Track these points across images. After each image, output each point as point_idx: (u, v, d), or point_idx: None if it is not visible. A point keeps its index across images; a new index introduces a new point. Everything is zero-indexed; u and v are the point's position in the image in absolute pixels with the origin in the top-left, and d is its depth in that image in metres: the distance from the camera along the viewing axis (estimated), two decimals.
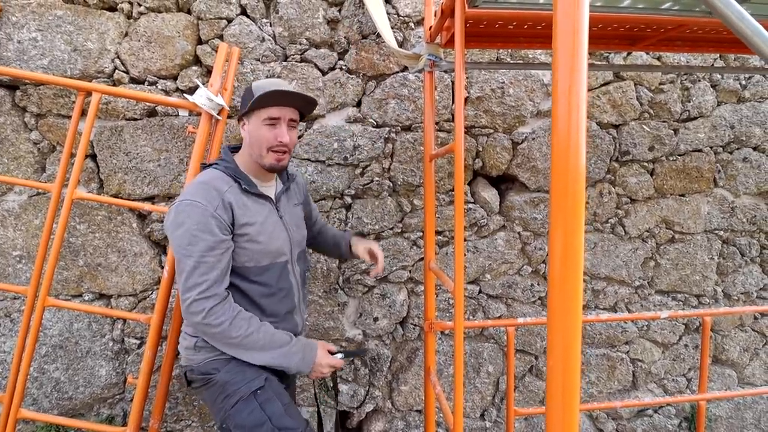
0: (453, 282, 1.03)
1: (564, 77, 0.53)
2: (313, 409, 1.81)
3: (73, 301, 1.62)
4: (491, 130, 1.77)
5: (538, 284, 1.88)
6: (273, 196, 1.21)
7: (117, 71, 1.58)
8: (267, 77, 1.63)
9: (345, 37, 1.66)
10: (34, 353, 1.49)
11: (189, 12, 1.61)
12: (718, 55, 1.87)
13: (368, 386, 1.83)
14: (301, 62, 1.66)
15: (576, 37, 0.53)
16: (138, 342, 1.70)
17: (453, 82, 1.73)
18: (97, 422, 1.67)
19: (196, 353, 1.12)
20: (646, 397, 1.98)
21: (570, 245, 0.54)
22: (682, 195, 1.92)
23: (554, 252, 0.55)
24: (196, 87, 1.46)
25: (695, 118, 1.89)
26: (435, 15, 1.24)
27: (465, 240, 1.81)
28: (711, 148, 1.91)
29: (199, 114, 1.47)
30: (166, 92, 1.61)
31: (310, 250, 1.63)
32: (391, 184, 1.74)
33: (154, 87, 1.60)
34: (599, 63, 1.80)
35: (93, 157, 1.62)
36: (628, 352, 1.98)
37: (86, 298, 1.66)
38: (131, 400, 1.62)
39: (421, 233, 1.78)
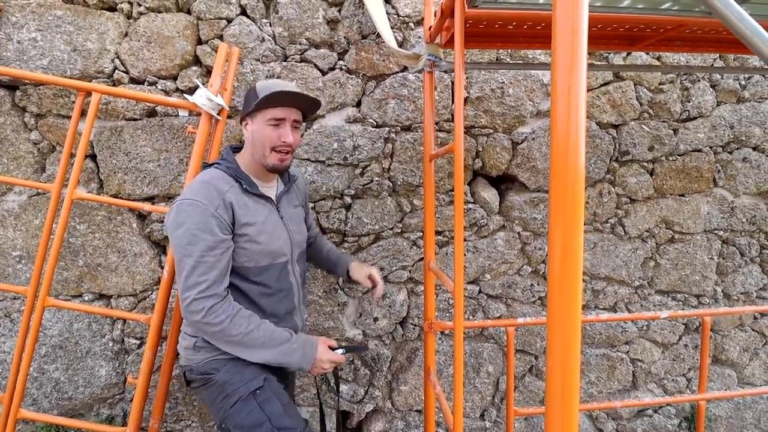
0: (453, 282, 1.03)
1: (563, 77, 0.53)
2: (313, 408, 1.81)
3: (73, 302, 1.62)
4: (491, 130, 1.77)
5: (538, 284, 1.89)
6: (274, 197, 1.21)
7: (117, 71, 1.58)
8: (267, 77, 1.63)
9: (345, 37, 1.66)
10: (34, 353, 1.49)
11: (189, 12, 1.61)
12: (718, 55, 1.87)
13: (368, 386, 1.83)
14: (300, 62, 1.66)
15: (575, 37, 0.53)
16: (138, 342, 1.70)
17: (453, 82, 1.73)
18: (97, 422, 1.67)
19: (196, 353, 1.12)
20: (646, 397, 1.98)
21: (569, 245, 0.54)
22: (682, 195, 1.92)
23: (554, 252, 0.55)
24: (196, 87, 1.46)
25: (695, 118, 1.89)
26: (435, 15, 1.24)
27: (465, 240, 1.81)
28: (711, 148, 1.91)
29: (198, 114, 1.47)
30: (166, 92, 1.61)
31: None
32: (391, 184, 1.74)
33: (154, 87, 1.60)
34: (599, 63, 1.80)
35: (93, 157, 1.62)
36: (628, 352, 1.98)
37: (86, 298, 1.66)
38: (131, 400, 1.62)
39: (421, 233, 1.78)
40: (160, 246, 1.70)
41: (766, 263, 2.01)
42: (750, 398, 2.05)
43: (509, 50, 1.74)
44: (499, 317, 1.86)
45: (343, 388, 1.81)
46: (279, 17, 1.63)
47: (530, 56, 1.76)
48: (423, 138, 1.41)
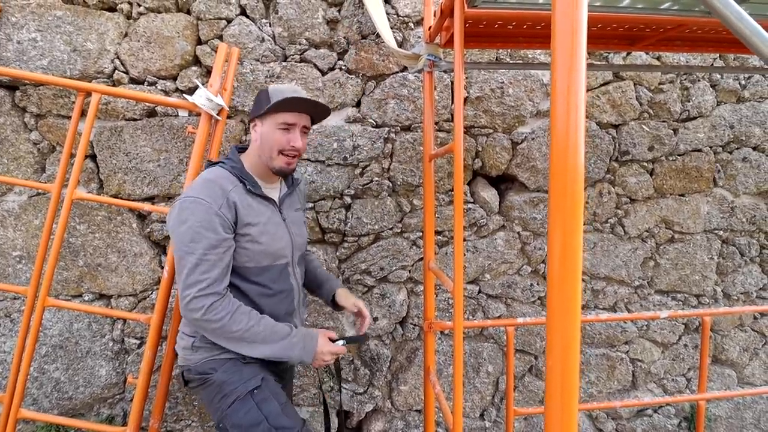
0: (452, 282, 1.03)
1: (563, 77, 0.53)
2: (313, 408, 1.81)
3: (73, 302, 1.62)
4: (491, 130, 1.77)
5: (538, 284, 1.89)
6: (277, 199, 1.22)
7: (116, 71, 1.59)
8: (267, 77, 1.63)
9: (344, 38, 1.67)
10: (34, 353, 1.49)
11: (188, 12, 1.62)
12: (718, 54, 1.87)
13: (368, 386, 1.83)
14: (300, 62, 1.66)
15: (575, 37, 0.53)
16: (138, 342, 1.70)
17: (452, 82, 1.73)
18: (97, 422, 1.67)
19: (194, 353, 1.13)
20: (646, 396, 1.98)
21: (569, 245, 0.54)
22: (682, 195, 1.92)
23: (553, 252, 0.55)
24: (196, 87, 1.46)
25: (695, 118, 1.89)
26: (434, 15, 1.24)
27: (464, 240, 1.81)
28: (710, 147, 1.91)
29: (198, 114, 1.47)
30: (166, 92, 1.61)
31: None
32: (391, 184, 1.74)
33: (154, 87, 1.60)
34: (598, 63, 1.80)
35: (93, 157, 1.62)
36: (627, 351, 1.98)
37: (86, 298, 1.66)
38: (131, 400, 1.62)
39: (421, 233, 1.78)
40: (160, 246, 1.70)
41: (766, 263, 2.01)
42: (750, 398, 2.05)
43: (509, 50, 1.74)
44: (499, 317, 1.86)
45: (342, 388, 1.81)
46: (279, 17, 1.63)
47: (530, 56, 1.76)
48: (423, 138, 1.41)
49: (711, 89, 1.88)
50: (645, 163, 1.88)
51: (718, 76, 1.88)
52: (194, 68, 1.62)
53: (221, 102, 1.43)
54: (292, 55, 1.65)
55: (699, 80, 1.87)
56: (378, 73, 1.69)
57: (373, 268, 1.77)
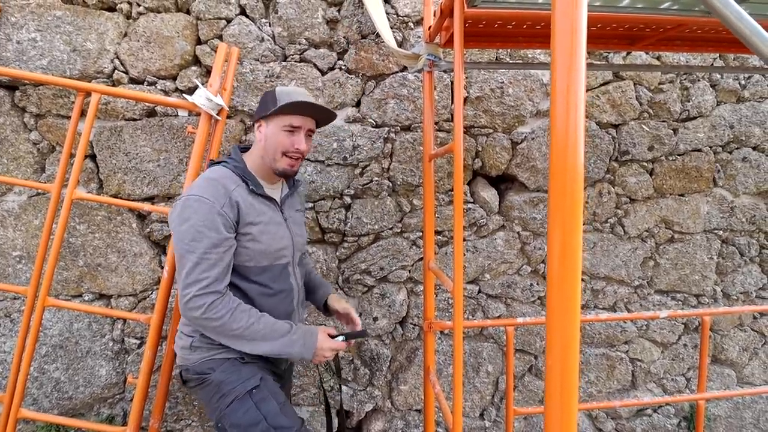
0: (452, 282, 1.03)
1: (562, 77, 0.53)
2: (313, 408, 1.82)
3: (73, 301, 1.62)
4: (490, 130, 1.77)
5: (538, 284, 1.89)
6: (278, 199, 1.22)
7: (116, 71, 1.58)
8: (266, 77, 1.63)
9: (344, 37, 1.66)
10: (34, 353, 1.49)
11: (188, 12, 1.61)
12: (718, 54, 1.87)
13: (368, 386, 1.83)
14: (300, 62, 1.66)
15: (574, 37, 0.53)
16: (138, 342, 1.70)
17: (452, 82, 1.73)
18: (98, 422, 1.67)
19: (192, 353, 1.13)
20: (646, 396, 1.98)
21: (568, 245, 0.54)
22: (682, 195, 1.93)
23: (553, 251, 0.55)
24: (196, 87, 1.46)
25: (695, 118, 1.89)
26: (434, 15, 1.24)
27: (464, 240, 1.81)
28: (710, 147, 1.91)
29: (198, 114, 1.47)
30: (166, 92, 1.61)
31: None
32: (391, 184, 1.74)
33: (154, 87, 1.60)
34: (598, 63, 1.80)
35: (92, 157, 1.62)
36: (627, 351, 1.98)
37: (86, 298, 1.66)
38: (131, 400, 1.62)
39: (421, 233, 1.78)
40: (160, 246, 1.70)
41: (766, 263, 2.01)
42: (749, 398, 2.05)
43: (509, 50, 1.74)
44: (499, 317, 1.86)
45: (342, 387, 1.81)
46: (278, 17, 1.63)
47: (530, 56, 1.76)
48: (422, 138, 1.41)
49: (711, 89, 1.88)
50: (645, 163, 1.88)
51: (718, 75, 1.88)
52: (194, 68, 1.62)
53: (221, 102, 1.43)
54: (292, 54, 1.65)
55: (699, 80, 1.87)
56: (378, 73, 1.69)
57: (373, 267, 1.77)
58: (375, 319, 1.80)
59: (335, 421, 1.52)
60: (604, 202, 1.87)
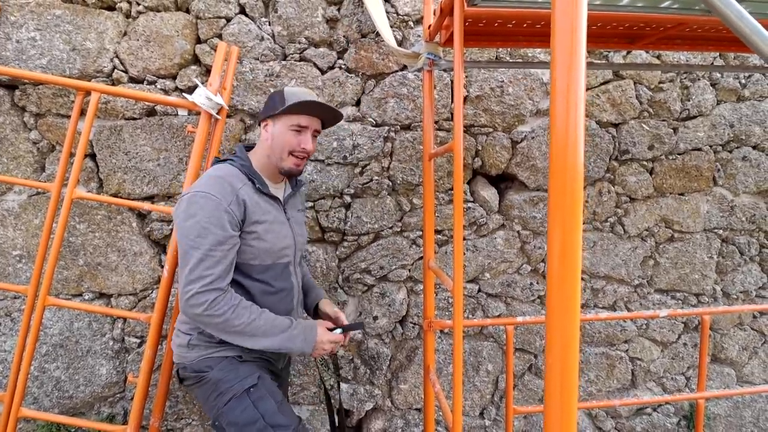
0: (452, 281, 1.03)
1: (562, 76, 0.53)
2: (313, 407, 1.82)
3: (73, 301, 1.63)
4: (490, 129, 1.77)
5: (538, 283, 1.89)
6: (282, 198, 1.23)
7: (116, 70, 1.58)
8: (266, 76, 1.63)
9: (344, 36, 1.66)
10: (35, 352, 1.49)
11: (188, 11, 1.61)
12: (718, 53, 1.86)
13: (367, 384, 1.84)
14: (300, 61, 1.66)
15: (574, 36, 0.53)
16: (138, 341, 1.70)
17: (452, 81, 1.73)
18: (98, 421, 1.67)
19: (190, 351, 1.13)
20: (645, 395, 1.99)
21: (568, 244, 0.54)
22: (682, 194, 1.92)
23: (552, 250, 0.55)
24: (195, 86, 1.46)
25: (695, 117, 1.89)
26: (434, 14, 1.24)
27: (464, 239, 1.81)
28: (710, 146, 1.91)
29: (198, 113, 1.47)
30: (165, 91, 1.61)
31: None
32: (391, 183, 1.74)
33: (153, 86, 1.60)
34: (598, 62, 1.80)
35: (92, 156, 1.62)
36: (627, 350, 1.98)
37: (86, 297, 1.66)
38: (132, 399, 1.62)
39: (421, 232, 1.78)
40: (160, 245, 1.70)
41: (766, 262, 2.01)
42: (749, 397, 2.05)
43: (509, 49, 1.74)
44: (499, 316, 1.86)
45: (343, 386, 1.81)
46: (278, 16, 1.62)
47: (530, 55, 1.76)
48: (422, 137, 1.41)
49: (711, 88, 1.88)
50: (645, 162, 1.88)
51: (718, 74, 1.88)
52: (194, 67, 1.62)
53: (221, 101, 1.43)
54: (292, 53, 1.65)
55: (699, 79, 1.87)
56: (378, 72, 1.69)
57: (372, 267, 1.77)
58: (375, 318, 1.80)
59: (336, 418, 1.52)
60: (604, 201, 1.87)
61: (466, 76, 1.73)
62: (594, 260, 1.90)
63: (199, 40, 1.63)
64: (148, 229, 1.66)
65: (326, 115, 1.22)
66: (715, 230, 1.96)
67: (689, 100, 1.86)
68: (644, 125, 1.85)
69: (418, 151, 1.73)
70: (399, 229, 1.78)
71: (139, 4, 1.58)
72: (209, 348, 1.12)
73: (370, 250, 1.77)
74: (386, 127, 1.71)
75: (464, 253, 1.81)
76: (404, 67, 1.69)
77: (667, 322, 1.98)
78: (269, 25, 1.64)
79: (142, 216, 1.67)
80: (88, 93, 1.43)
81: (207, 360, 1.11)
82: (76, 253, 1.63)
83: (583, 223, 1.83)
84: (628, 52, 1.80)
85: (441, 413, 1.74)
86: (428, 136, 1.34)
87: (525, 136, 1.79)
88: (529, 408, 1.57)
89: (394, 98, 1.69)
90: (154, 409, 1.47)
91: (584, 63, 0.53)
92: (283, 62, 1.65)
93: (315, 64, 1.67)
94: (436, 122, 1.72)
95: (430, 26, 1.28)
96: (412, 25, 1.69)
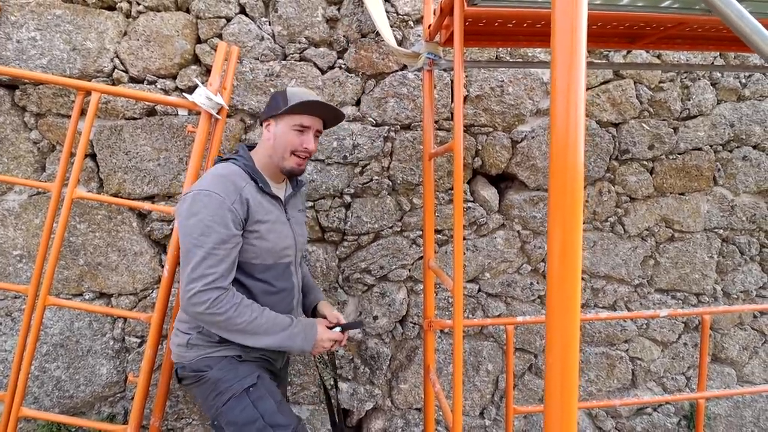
0: (452, 281, 1.03)
1: (562, 75, 0.53)
2: (313, 407, 1.82)
3: (73, 300, 1.63)
4: (490, 129, 1.77)
5: (538, 283, 1.89)
6: (283, 198, 1.23)
7: (116, 70, 1.58)
8: (266, 76, 1.63)
9: (344, 36, 1.66)
10: (35, 352, 1.49)
11: (188, 11, 1.61)
12: (718, 53, 1.86)
13: (368, 384, 1.84)
14: (300, 61, 1.66)
15: (574, 35, 0.53)
16: (138, 341, 1.70)
17: (452, 81, 1.73)
18: (98, 420, 1.67)
19: (189, 350, 1.13)
20: (646, 395, 1.99)
21: (568, 244, 0.54)
22: (682, 193, 1.92)
23: (553, 250, 0.55)
24: (196, 86, 1.46)
25: (695, 117, 1.89)
26: (434, 13, 1.24)
27: (464, 239, 1.81)
28: (711, 146, 1.91)
29: (198, 113, 1.47)
30: (166, 91, 1.61)
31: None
32: (391, 183, 1.74)
33: (154, 86, 1.60)
34: (598, 61, 1.80)
35: (93, 156, 1.62)
36: (627, 350, 1.98)
37: (87, 297, 1.66)
38: (132, 399, 1.62)
39: (421, 232, 1.78)
40: (161, 245, 1.70)
41: (766, 262, 2.01)
42: (749, 396, 2.05)
43: (509, 48, 1.74)
44: (499, 316, 1.86)
45: (343, 386, 1.81)
46: (278, 16, 1.62)
47: (530, 54, 1.76)
48: (422, 136, 1.41)
49: (711, 87, 1.88)
50: (645, 162, 1.88)
51: (719, 74, 1.87)
52: (194, 67, 1.62)
53: (221, 101, 1.43)
54: (292, 53, 1.65)
55: (699, 79, 1.86)
56: (378, 72, 1.69)
57: (372, 266, 1.77)
58: (375, 317, 1.80)
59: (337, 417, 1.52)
60: (604, 201, 1.87)
61: (466, 76, 1.73)
62: (594, 260, 1.90)
63: (199, 40, 1.63)
64: (149, 228, 1.66)
65: (328, 116, 1.23)
66: (716, 230, 1.96)
67: (689, 100, 1.86)
68: (644, 125, 1.84)
69: (418, 151, 1.73)
70: (399, 229, 1.78)
71: (139, 4, 1.58)
72: (208, 347, 1.12)
73: (370, 249, 1.77)
74: (386, 127, 1.71)
75: (464, 253, 1.81)
76: (404, 67, 1.69)
77: (668, 322, 1.98)
78: (269, 24, 1.64)
79: (142, 216, 1.67)
80: (88, 93, 1.43)
81: (206, 359, 1.12)
82: (77, 253, 1.63)
83: (584, 223, 1.83)
84: (629, 52, 1.80)
85: (441, 413, 1.74)
86: (428, 135, 1.34)
87: (525, 135, 1.79)
88: (529, 408, 1.57)
89: (394, 98, 1.69)
90: (155, 409, 1.47)
91: (584, 62, 0.53)
92: (284, 62, 1.65)
93: (315, 64, 1.67)
94: (436, 122, 1.72)
95: (430, 26, 1.28)
96: (412, 25, 1.69)
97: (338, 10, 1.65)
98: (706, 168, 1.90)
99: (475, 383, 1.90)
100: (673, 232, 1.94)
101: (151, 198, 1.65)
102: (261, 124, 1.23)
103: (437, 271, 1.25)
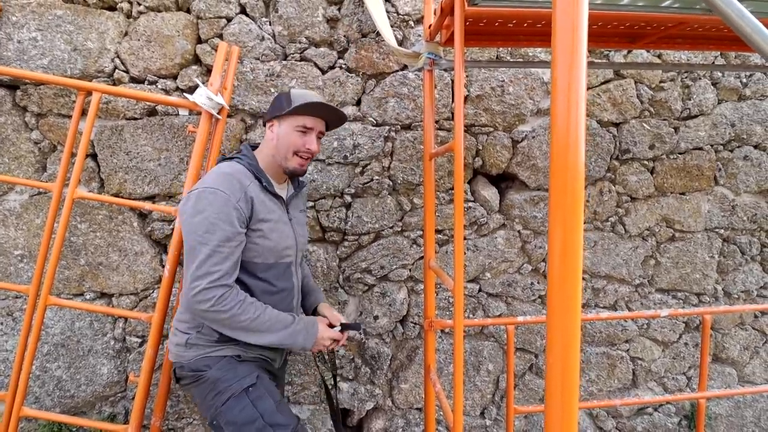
0: (453, 280, 1.03)
1: (563, 75, 0.53)
2: (314, 406, 1.82)
3: (74, 300, 1.63)
4: (491, 129, 1.77)
5: (538, 282, 1.89)
6: (285, 198, 1.24)
7: (117, 71, 1.59)
8: (267, 76, 1.64)
9: (345, 36, 1.66)
10: (36, 352, 1.50)
11: (188, 11, 1.61)
12: (719, 52, 1.86)
13: (368, 384, 1.84)
14: (300, 61, 1.66)
15: (575, 35, 0.53)
16: (139, 340, 1.70)
17: (453, 81, 1.72)
18: (99, 420, 1.68)
19: (187, 350, 1.13)
20: (646, 395, 1.99)
21: (569, 243, 0.54)
22: (683, 193, 1.92)
23: (553, 250, 0.55)
24: (196, 86, 1.46)
25: (696, 116, 1.88)
26: (435, 13, 1.24)
27: (465, 238, 1.81)
28: (711, 146, 1.90)
29: (199, 113, 1.47)
30: (166, 91, 1.61)
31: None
32: (391, 183, 1.74)
33: (154, 86, 1.60)
34: (599, 61, 1.80)
35: (93, 156, 1.62)
36: (628, 350, 1.98)
37: (88, 297, 1.66)
38: (133, 398, 1.63)
39: (421, 232, 1.78)
40: (161, 245, 1.70)
41: (767, 261, 2.00)
42: (750, 396, 2.05)
43: (509, 48, 1.74)
44: (499, 316, 1.86)
45: (343, 386, 1.81)
46: (279, 16, 1.62)
47: (530, 54, 1.76)
48: (423, 136, 1.41)
49: (712, 87, 1.88)
50: (646, 162, 1.88)
51: (719, 74, 1.87)
52: (194, 67, 1.62)
53: (221, 101, 1.43)
54: (293, 53, 1.65)
55: (700, 78, 1.86)
56: (378, 72, 1.69)
57: (373, 266, 1.77)
58: (375, 317, 1.80)
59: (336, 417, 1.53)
60: (605, 201, 1.87)
61: (467, 76, 1.73)
62: (595, 260, 1.90)
63: (199, 40, 1.63)
64: (149, 228, 1.66)
65: (331, 117, 1.23)
66: (717, 230, 1.96)
67: (690, 100, 1.86)
68: (645, 124, 1.84)
69: (419, 151, 1.73)
70: (399, 229, 1.78)
71: (140, 4, 1.58)
72: (207, 347, 1.12)
73: (370, 249, 1.77)
74: (387, 127, 1.71)
75: (465, 253, 1.81)
76: (405, 67, 1.69)
77: (668, 322, 1.98)
78: (270, 24, 1.64)
79: (143, 216, 1.67)
80: (89, 93, 1.43)
81: (205, 359, 1.12)
82: (78, 253, 1.64)
83: (584, 223, 1.83)
84: (629, 52, 1.80)
85: (442, 413, 1.74)
86: (429, 135, 1.34)
87: (526, 135, 1.79)
88: (530, 408, 1.57)
89: (394, 98, 1.69)
90: (155, 409, 1.47)
91: (585, 62, 0.53)
92: (284, 62, 1.65)
93: (315, 64, 1.67)
94: (436, 122, 1.72)
95: (430, 26, 1.28)
96: (413, 25, 1.69)
97: (339, 10, 1.65)
98: (706, 168, 1.90)
99: (475, 383, 1.90)
100: (674, 232, 1.94)
101: (151, 198, 1.65)
102: (264, 125, 1.24)
103: (438, 271, 1.25)
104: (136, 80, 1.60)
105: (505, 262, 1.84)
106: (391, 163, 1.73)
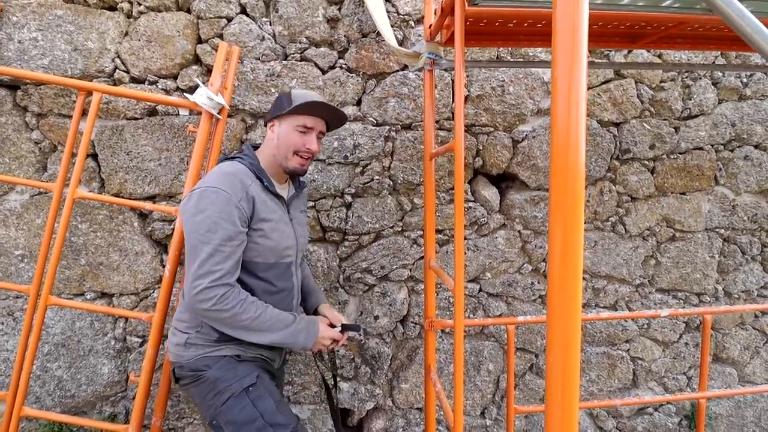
0: (453, 280, 1.03)
1: (563, 75, 0.53)
2: (314, 406, 1.82)
3: (75, 300, 1.63)
4: (491, 129, 1.77)
5: (539, 282, 1.89)
6: (286, 198, 1.24)
7: (117, 71, 1.59)
8: (267, 76, 1.64)
9: (345, 36, 1.66)
10: (37, 352, 1.49)
11: (189, 11, 1.61)
12: (719, 52, 1.86)
13: (369, 384, 1.84)
14: (301, 61, 1.66)
15: (575, 35, 0.53)
16: (140, 340, 1.70)
17: (453, 81, 1.72)
18: (100, 420, 1.68)
19: (187, 350, 1.13)
20: (647, 395, 1.99)
21: (570, 243, 0.54)
22: (683, 193, 1.92)
23: (554, 250, 0.55)
24: (197, 86, 1.46)
25: (696, 116, 1.88)
26: (435, 13, 1.24)
27: (465, 238, 1.81)
28: (712, 146, 1.90)
29: (199, 113, 1.47)
30: (167, 91, 1.61)
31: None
32: (392, 183, 1.74)
33: (155, 86, 1.60)
34: (599, 61, 1.80)
35: (94, 156, 1.62)
36: (628, 350, 1.98)
37: (88, 296, 1.67)
38: (133, 398, 1.63)
39: (422, 232, 1.78)
40: (162, 245, 1.70)
41: None
42: (750, 396, 2.05)
43: (510, 48, 1.74)
44: (500, 315, 1.86)
45: (344, 386, 1.81)
46: (279, 16, 1.62)
47: (531, 54, 1.76)
48: (423, 136, 1.41)
49: (712, 87, 1.88)
50: (646, 162, 1.87)
51: (720, 74, 1.87)
52: (195, 67, 1.62)
53: (222, 101, 1.43)
54: (293, 53, 1.65)
55: (700, 78, 1.86)
56: (378, 72, 1.69)
57: (373, 266, 1.77)
58: (376, 317, 1.80)
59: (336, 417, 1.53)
60: (606, 201, 1.87)
61: (467, 76, 1.73)
62: (595, 260, 1.90)
63: (200, 40, 1.63)
64: (150, 228, 1.66)
65: (331, 117, 1.23)
66: (717, 229, 1.96)
67: (690, 99, 1.86)
68: (645, 124, 1.84)
69: (419, 151, 1.73)
70: (400, 229, 1.78)
71: (140, 4, 1.58)
72: (207, 347, 1.12)
73: (371, 249, 1.77)
74: (387, 127, 1.71)
75: (465, 253, 1.81)
76: (405, 67, 1.69)
77: (669, 322, 1.98)
78: (270, 24, 1.64)
79: (143, 216, 1.67)
80: (89, 93, 1.43)
81: (204, 359, 1.12)
82: (78, 253, 1.64)
83: (585, 223, 1.83)
84: (630, 51, 1.80)
85: (442, 412, 1.74)
86: (429, 135, 1.34)
87: (526, 135, 1.79)
88: (530, 407, 1.57)
89: (394, 98, 1.69)
90: (156, 409, 1.47)
91: (585, 62, 0.53)
92: (284, 62, 1.65)
93: (316, 64, 1.67)
94: (437, 122, 1.72)
95: (430, 26, 1.28)
96: (413, 25, 1.69)
97: (339, 9, 1.65)
98: (707, 167, 1.90)
99: (476, 383, 1.90)
100: (675, 232, 1.94)
101: (152, 198, 1.65)
102: (266, 125, 1.24)
103: (438, 271, 1.25)
104: (136, 80, 1.60)
105: (506, 262, 1.84)
106: (391, 163, 1.73)
